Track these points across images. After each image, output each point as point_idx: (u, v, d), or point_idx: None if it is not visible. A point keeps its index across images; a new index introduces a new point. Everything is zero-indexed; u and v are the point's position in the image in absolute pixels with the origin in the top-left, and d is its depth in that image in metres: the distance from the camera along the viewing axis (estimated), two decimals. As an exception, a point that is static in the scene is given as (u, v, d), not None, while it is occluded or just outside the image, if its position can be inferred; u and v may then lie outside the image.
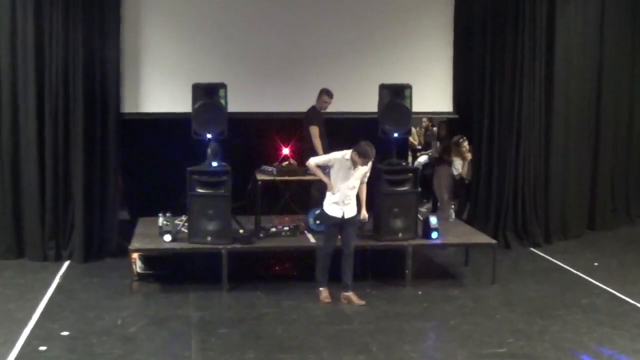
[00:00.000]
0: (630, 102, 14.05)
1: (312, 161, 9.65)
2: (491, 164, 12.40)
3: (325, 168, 9.61)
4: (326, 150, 10.85)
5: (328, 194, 9.54)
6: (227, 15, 11.95)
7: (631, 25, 13.79)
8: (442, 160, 13.18)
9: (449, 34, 12.59)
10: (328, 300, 9.55)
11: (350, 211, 9.50)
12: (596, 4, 13.09)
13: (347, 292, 9.58)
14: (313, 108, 11.39)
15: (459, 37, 12.62)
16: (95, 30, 11.07)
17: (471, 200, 12.84)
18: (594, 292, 10.13)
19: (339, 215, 9.45)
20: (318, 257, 9.71)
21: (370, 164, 9.52)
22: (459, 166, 12.75)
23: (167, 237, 10.06)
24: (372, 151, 9.30)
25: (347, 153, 9.40)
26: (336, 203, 9.45)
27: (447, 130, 13.42)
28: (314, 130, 11.21)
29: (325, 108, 11.39)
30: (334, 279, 9.64)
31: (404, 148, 13.49)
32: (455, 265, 11.29)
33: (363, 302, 9.53)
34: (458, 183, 12.97)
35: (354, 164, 9.36)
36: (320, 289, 9.63)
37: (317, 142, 11.12)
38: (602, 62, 13.33)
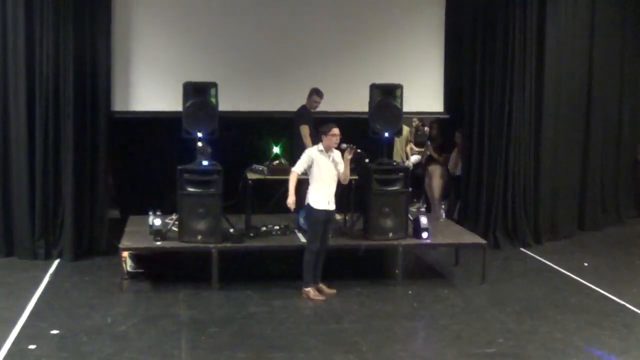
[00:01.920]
0: (620, 103, 14.14)
1: (298, 170, 9.61)
2: (481, 164, 12.43)
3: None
4: None
5: (312, 189, 9.56)
6: (218, 15, 11.95)
7: (621, 29, 13.86)
8: (434, 159, 13.21)
9: (440, 33, 12.62)
10: (320, 297, 9.58)
11: (333, 204, 9.63)
12: (586, 6, 13.12)
13: (317, 284, 9.72)
14: (303, 107, 11.39)
15: (450, 36, 12.66)
16: (85, 29, 11.06)
17: (462, 198, 12.87)
18: (583, 292, 10.16)
19: (326, 208, 9.53)
20: (307, 256, 9.66)
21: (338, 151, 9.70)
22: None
23: (157, 237, 10.05)
24: (333, 123, 9.57)
25: (318, 145, 9.61)
26: (323, 197, 9.52)
27: (438, 130, 13.43)
28: (305, 130, 11.21)
29: (315, 108, 11.40)
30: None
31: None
32: (445, 265, 11.30)
33: (334, 291, 9.73)
34: (450, 179, 13.03)
35: (328, 149, 9.53)
36: (308, 288, 9.65)
37: (308, 142, 11.10)
38: (592, 62, 13.39)
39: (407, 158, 14.50)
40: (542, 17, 12.35)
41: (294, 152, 11.01)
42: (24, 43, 10.85)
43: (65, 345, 7.95)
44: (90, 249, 11.27)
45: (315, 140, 11.19)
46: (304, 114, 11.35)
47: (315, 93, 11.33)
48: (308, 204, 9.61)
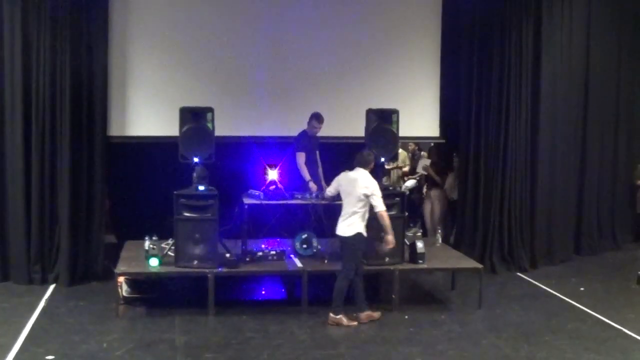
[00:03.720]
0: (616, 127, 14.16)
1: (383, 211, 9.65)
2: (477, 189, 12.45)
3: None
4: (319, 176, 10.95)
5: (360, 219, 9.55)
6: (214, 39, 12.00)
7: (616, 53, 13.92)
8: (435, 184, 13.21)
9: (436, 59, 12.67)
10: (354, 322, 9.60)
11: None
12: (582, 31, 13.20)
13: (363, 310, 9.75)
14: (303, 133, 11.32)
15: (446, 62, 12.70)
16: (82, 54, 11.09)
17: (458, 222, 12.89)
18: (580, 317, 10.14)
19: None
20: (343, 282, 9.59)
21: None
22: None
23: (154, 262, 10.02)
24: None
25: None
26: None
27: (437, 154, 13.44)
28: (300, 158, 11.14)
29: (316, 133, 11.31)
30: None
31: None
32: (441, 290, 11.28)
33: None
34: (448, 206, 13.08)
35: None
36: (340, 315, 9.56)
37: (303, 169, 11.07)
38: (588, 87, 13.44)
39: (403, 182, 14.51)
40: (538, 43, 12.42)
41: (291, 177, 11.02)
42: (21, 68, 10.88)
43: (61, 370, 7.93)
44: (86, 274, 11.23)
45: (317, 166, 11.18)
46: (302, 141, 11.24)
47: (315, 118, 11.24)
48: (360, 234, 9.58)
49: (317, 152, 11.51)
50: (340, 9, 12.42)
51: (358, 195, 9.48)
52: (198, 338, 9.01)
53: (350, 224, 9.54)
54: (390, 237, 9.56)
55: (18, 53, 10.88)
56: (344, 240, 9.60)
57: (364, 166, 9.63)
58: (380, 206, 9.48)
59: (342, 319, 9.56)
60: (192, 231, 9.99)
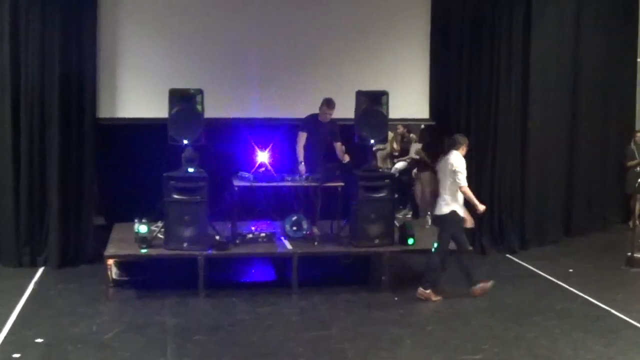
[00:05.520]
0: (606, 109, 14.15)
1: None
2: (468, 171, 12.38)
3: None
4: (321, 159, 10.91)
5: (453, 198, 9.83)
6: (204, 21, 11.91)
7: (607, 28, 13.86)
8: (425, 165, 13.18)
9: (425, 40, 12.60)
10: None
11: None
12: (572, 13, 13.17)
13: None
14: (312, 115, 11.10)
15: (436, 44, 12.63)
16: (71, 36, 11.03)
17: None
18: (569, 298, 10.17)
19: None
20: (468, 259, 10.04)
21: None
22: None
23: (143, 228, 10.05)
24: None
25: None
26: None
27: (429, 136, 13.42)
28: (299, 137, 11.03)
29: (326, 119, 11.03)
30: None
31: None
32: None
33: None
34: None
35: None
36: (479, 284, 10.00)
37: (298, 149, 10.98)
38: (579, 69, 13.42)
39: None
40: (528, 24, 12.40)
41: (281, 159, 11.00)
42: (9, 49, 10.82)
43: (50, 353, 7.91)
44: (75, 257, 11.21)
45: (320, 150, 11.08)
46: (305, 122, 11.09)
47: (324, 103, 10.96)
48: (455, 212, 9.85)
49: (337, 144, 11.10)
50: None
51: (448, 173, 9.83)
52: (188, 320, 9.02)
53: (445, 203, 9.83)
54: (480, 208, 10.03)
55: (6, 36, 10.81)
56: (440, 218, 9.93)
57: (455, 148, 9.95)
58: (462, 182, 9.81)
59: (431, 294, 9.80)
60: (181, 213, 9.99)
